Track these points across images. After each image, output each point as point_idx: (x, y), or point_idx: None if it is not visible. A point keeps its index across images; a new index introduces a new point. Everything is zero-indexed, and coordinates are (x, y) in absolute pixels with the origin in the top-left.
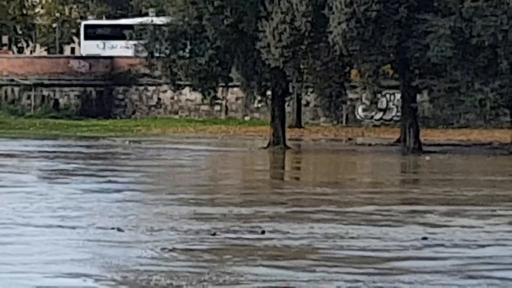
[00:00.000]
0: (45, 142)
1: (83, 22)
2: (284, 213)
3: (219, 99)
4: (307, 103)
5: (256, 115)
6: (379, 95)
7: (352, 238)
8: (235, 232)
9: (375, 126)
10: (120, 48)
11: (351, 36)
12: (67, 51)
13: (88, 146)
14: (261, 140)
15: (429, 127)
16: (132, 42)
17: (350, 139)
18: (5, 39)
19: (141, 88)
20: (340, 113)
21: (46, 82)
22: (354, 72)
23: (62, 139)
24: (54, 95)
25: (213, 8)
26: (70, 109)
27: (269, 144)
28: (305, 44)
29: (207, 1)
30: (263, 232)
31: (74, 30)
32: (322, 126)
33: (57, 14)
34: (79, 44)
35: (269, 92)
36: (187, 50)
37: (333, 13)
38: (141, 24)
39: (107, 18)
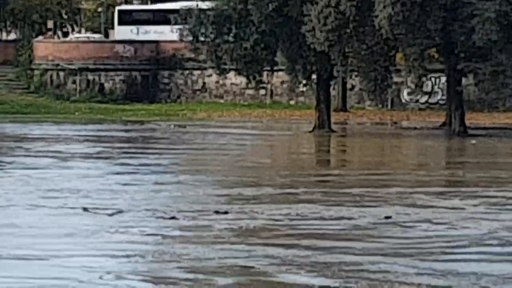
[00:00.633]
0: (89, 127)
1: (117, 8)
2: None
3: (264, 83)
4: (352, 87)
5: (301, 99)
6: (424, 79)
7: (324, 219)
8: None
9: (420, 109)
10: (154, 34)
11: (397, 20)
12: (112, 35)
13: (130, 130)
14: (306, 124)
15: (474, 110)
16: (172, 27)
17: (395, 122)
18: (50, 24)
19: (186, 72)
20: (385, 97)
21: (91, 66)
22: (399, 55)
23: (107, 124)
24: (100, 79)
25: None
26: (115, 93)
27: (314, 128)
28: (350, 28)
29: None
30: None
31: None
32: (367, 109)
33: None
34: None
35: (314, 76)
36: (232, 34)
37: None
38: (176, 10)
39: (152, 2)
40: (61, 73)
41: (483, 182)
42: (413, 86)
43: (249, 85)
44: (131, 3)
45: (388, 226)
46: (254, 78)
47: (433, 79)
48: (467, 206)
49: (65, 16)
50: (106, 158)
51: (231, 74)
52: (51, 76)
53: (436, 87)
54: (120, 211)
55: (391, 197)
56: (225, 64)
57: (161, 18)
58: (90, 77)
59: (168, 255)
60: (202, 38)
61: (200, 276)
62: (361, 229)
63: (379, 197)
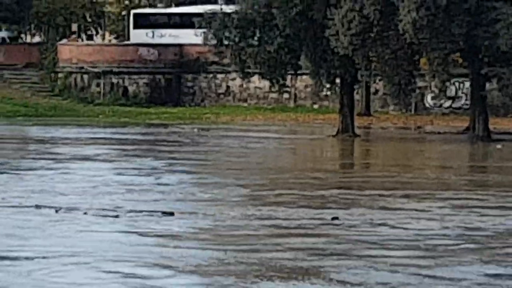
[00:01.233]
0: (112, 130)
1: (132, 11)
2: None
3: (287, 86)
4: (376, 91)
5: (325, 103)
6: (448, 83)
7: (272, 218)
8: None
9: (444, 114)
10: (169, 37)
11: (421, 24)
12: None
13: (152, 133)
14: (330, 128)
15: (498, 115)
16: (187, 30)
17: (419, 127)
18: (74, 27)
19: (210, 76)
20: (409, 101)
21: (115, 69)
22: (423, 60)
23: (131, 127)
24: (123, 82)
25: None
26: (139, 96)
27: (338, 132)
28: (374, 32)
29: None
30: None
31: None
32: (391, 114)
33: (126, 2)
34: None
35: (338, 80)
36: (256, 38)
37: (402, 1)
38: (193, 13)
39: (176, 6)
40: (85, 76)
41: (467, 185)
42: (437, 90)
43: (273, 89)
44: (155, 6)
45: (329, 227)
46: (278, 81)
47: (457, 83)
48: (432, 208)
49: (89, 19)
50: (104, 160)
51: (255, 78)
52: (75, 79)
53: (460, 92)
54: (69, 208)
55: (363, 199)
56: (249, 67)
57: (177, 21)
58: (114, 80)
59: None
60: (226, 42)
61: None
62: (302, 229)
63: (353, 200)
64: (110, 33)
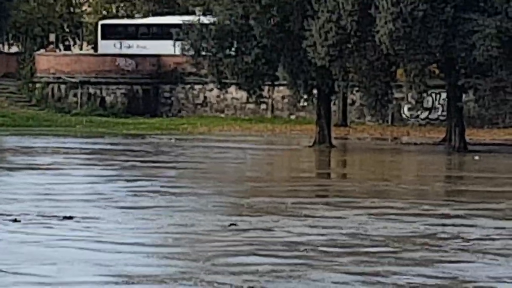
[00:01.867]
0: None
1: (100, 22)
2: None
3: (264, 97)
4: (353, 102)
5: (302, 113)
6: (424, 94)
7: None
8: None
9: (420, 125)
10: (137, 48)
11: (398, 35)
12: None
13: (134, 144)
14: (307, 139)
15: (475, 126)
16: (161, 42)
17: (395, 138)
18: (52, 37)
19: (188, 86)
20: (386, 112)
21: (92, 80)
22: (400, 71)
23: (108, 137)
24: (101, 93)
25: (260, 7)
26: (116, 107)
27: (314, 142)
28: (351, 43)
29: (254, 0)
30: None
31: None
32: (368, 125)
33: (104, 12)
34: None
35: (315, 91)
36: (233, 49)
37: (379, 12)
38: (160, 24)
39: (154, 16)
40: (63, 86)
41: (407, 194)
42: (413, 101)
43: (250, 100)
44: (133, 17)
45: (223, 232)
46: (255, 92)
47: (433, 95)
48: (349, 216)
49: (67, 30)
50: (55, 169)
51: (232, 89)
52: (52, 89)
53: (436, 103)
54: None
55: (282, 207)
56: (226, 78)
57: (145, 32)
58: (92, 90)
59: None
60: (203, 53)
61: None
62: (196, 234)
63: (276, 207)
64: (88, 44)
